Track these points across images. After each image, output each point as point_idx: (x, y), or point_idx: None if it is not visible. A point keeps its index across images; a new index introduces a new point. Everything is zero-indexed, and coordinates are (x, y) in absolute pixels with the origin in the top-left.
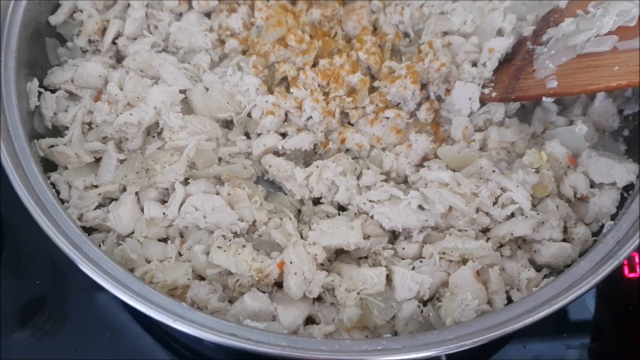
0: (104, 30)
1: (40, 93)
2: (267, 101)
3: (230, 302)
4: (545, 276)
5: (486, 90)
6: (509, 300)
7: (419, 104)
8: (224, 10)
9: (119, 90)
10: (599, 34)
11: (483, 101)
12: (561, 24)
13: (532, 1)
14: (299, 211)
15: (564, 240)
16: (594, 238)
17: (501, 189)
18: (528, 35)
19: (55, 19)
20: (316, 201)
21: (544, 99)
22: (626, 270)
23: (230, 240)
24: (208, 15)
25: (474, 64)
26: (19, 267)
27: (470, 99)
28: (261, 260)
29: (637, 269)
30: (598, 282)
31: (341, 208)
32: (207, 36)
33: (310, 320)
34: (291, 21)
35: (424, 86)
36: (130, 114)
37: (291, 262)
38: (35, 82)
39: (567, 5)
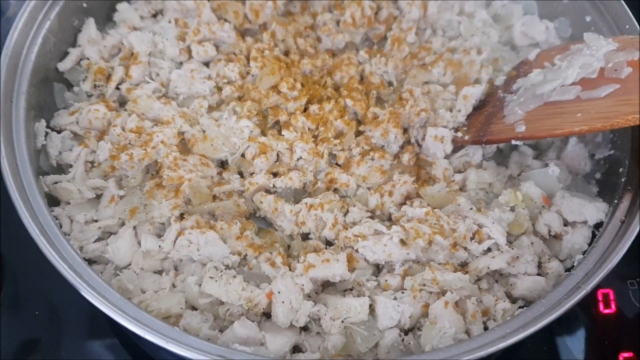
0: (108, 76)
1: (46, 133)
2: (260, 141)
3: (221, 331)
4: (520, 307)
5: (459, 134)
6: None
7: (402, 147)
8: (221, 60)
9: (121, 130)
10: (564, 84)
11: (457, 144)
12: (530, 74)
13: (509, 54)
14: (289, 246)
15: (539, 274)
16: (568, 272)
17: (478, 225)
18: (499, 85)
19: (63, 66)
20: (305, 236)
21: (513, 141)
22: (601, 307)
23: (222, 271)
24: (207, 64)
25: (450, 110)
26: (15, 308)
27: (442, 142)
28: (251, 290)
29: (612, 305)
30: (567, 310)
31: (329, 243)
32: (205, 83)
33: (296, 350)
34: (284, 70)
35: (406, 130)
36: (131, 153)
37: (279, 292)
38: (43, 122)
39: (535, 57)
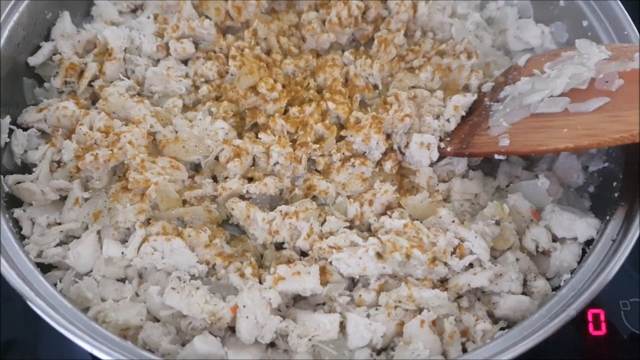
0: (81, 73)
1: (11, 130)
2: (235, 144)
3: (183, 345)
4: (502, 329)
5: (442, 144)
6: (465, 352)
7: (385, 154)
8: (200, 58)
9: (88, 129)
10: (553, 95)
11: (440, 154)
12: (518, 82)
13: (502, 58)
14: (262, 256)
15: (524, 293)
16: (554, 292)
17: (459, 239)
18: (487, 92)
19: (35, 60)
20: (279, 246)
21: (496, 156)
22: (591, 328)
23: (185, 282)
24: (185, 62)
25: (437, 117)
26: None
27: (428, 149)
28: (214, 304)
29: (602, 326)
30: (551, 334)
31: (304, 254)
32: (182, 82)
33: None
34: (264, 70)
35: (389, 136)
36: (97, 154)
37: (244, 306)
38: (7, 119)
39: (525, 63)
